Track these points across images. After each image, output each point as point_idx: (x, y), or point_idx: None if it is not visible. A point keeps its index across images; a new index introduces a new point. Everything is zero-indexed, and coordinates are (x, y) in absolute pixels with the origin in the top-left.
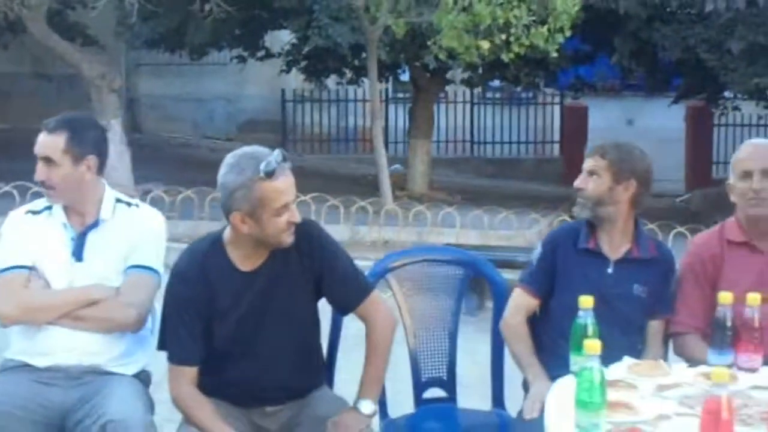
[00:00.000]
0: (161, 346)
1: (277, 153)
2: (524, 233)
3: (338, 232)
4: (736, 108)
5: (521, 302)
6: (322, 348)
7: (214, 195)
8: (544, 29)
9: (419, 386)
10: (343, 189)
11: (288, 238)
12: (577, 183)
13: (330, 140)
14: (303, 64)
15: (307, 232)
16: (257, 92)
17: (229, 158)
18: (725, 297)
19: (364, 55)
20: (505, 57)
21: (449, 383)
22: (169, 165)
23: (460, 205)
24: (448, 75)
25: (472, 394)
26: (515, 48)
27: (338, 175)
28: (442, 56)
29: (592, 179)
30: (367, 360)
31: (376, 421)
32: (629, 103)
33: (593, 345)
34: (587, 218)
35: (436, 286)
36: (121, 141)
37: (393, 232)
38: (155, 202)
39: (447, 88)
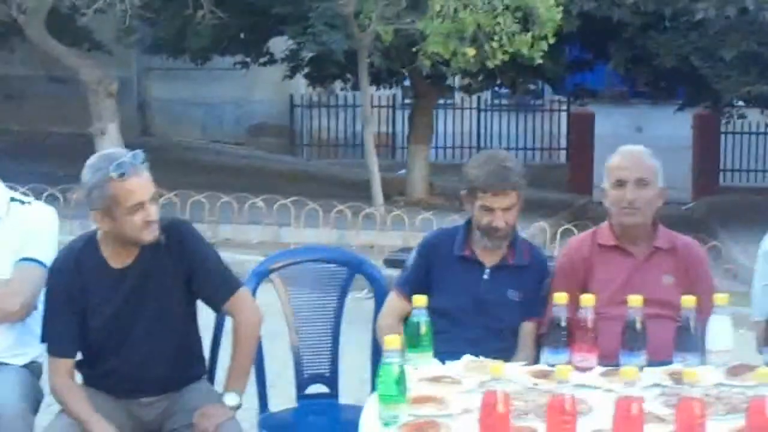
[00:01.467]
0: (43, 338)
1: (132, 154)
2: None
3: (321, 235)
4: (741, 116)
5: (394, 305)
6: (201, 343)
7: (226, 199)
8: (528, 36)
9: (302, 382)
10: (339, 193)
11: (147, 236)
12: (498, 225)
13: (338, 145)
14: (306, 70)
15: (176, 230)
16: (266, 97)
17: (90, 159)
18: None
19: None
20: (490, 63)
21: (331, 379)
22: (178, 168)
23: (457, 210)
24: (448, 81)
25: (359, 390)
26: (499, 55)
27: (339, 179)
28: (428, 62)
29: (507, 214)
30: (233, 355)
31: (254, 415)
32: (637, 110)
33: (391, 340)
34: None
35: (320, 285)
36: (119, 145)
37: (380, 236)
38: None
39: (456, 94)
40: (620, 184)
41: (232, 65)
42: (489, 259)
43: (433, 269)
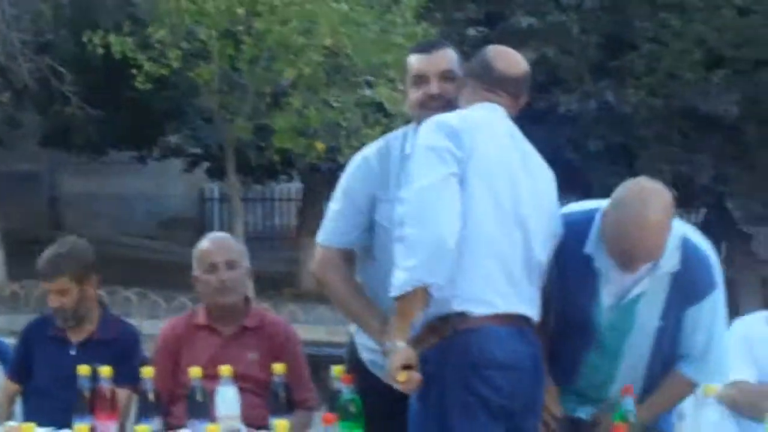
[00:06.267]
0: None
1: None
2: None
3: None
4: None
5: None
6: None
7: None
8: (377, 131)
9: None
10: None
11: None
12: (54, 305)
13: (255, 239)
14: (206, 164)
15: None
16: (177, 190)
17: None
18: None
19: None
20: (341, 158)
21: None
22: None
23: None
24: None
25: None
26: (345, 150)
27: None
28: (277, 157)
29: (62, 297)
30: None
31: None
32: None
33: None
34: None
35: None
36: None
37: None
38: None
39: None
40: (212, 267)
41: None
42: (77, 336)
43: (31, 352)
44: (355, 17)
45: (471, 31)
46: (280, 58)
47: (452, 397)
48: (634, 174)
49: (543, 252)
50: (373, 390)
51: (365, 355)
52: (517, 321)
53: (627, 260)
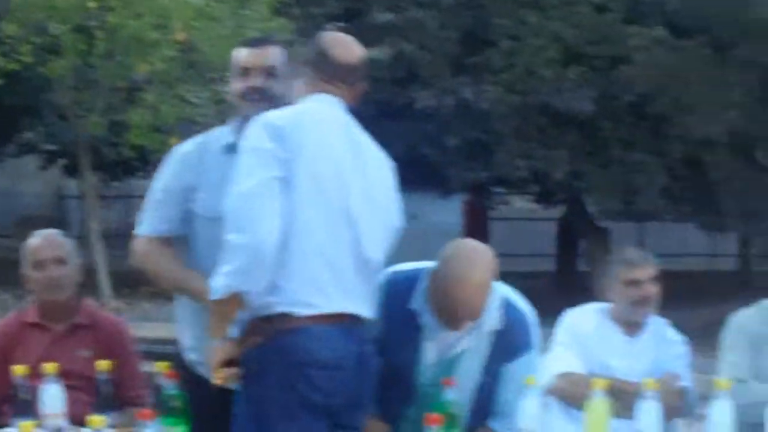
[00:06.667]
0: None
1: None
2: None
3: None
4: (503, 202)
5: None
6: None
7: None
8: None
9: None
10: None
11: None
12: None
13: (117, 236)
14: (62, 162)
15: None
16: (33, 188)
17: None
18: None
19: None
20: None
21: None
22: None
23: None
24: None
25: None
26: None
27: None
28: (132, 153)
29: None
30: None
31: None
32: (409, 198)
33: None
34: None
35: None
36: None
37: None
38: None
39: None
40: (41, 264)
41: None
42: None
43: None
44: (209, 12)
45: (329, 27)
46: (134, 53)
47: (273, 397)
48: (491, 169)
49: (377, 249)
50: (198, 388)
51: (188, 356)
52: (344, 320)
53: (451, 317)
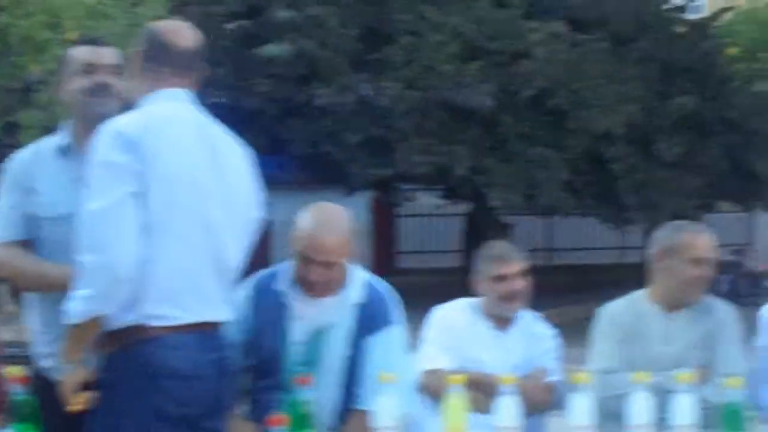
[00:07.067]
0: None
1: None
2: None
3: None
4: (410, 198)
5: None
6: None
7: None
8: None
9: None
10: None
11: None
12: None
13: None
14: None
15: None
16: None
17: None
18: None
19: None
20: None
21: None
22: None
23: None
24: None
25: None
26: None
27: None
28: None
29: None
30: None
31: None
32: (315, 196)
33: None
34: None
35: None
36: None
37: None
38: None
39: None
40: None
41: None
42: None
43: None
44: (102, 10)
45: (230, 26)
46: (26, 53)
47: (127, 408)
48: (394, 166)
49: (236, 253)
50: (50, 394)
51: (41, 362)
52: (202, 328)
53: (312, 256)
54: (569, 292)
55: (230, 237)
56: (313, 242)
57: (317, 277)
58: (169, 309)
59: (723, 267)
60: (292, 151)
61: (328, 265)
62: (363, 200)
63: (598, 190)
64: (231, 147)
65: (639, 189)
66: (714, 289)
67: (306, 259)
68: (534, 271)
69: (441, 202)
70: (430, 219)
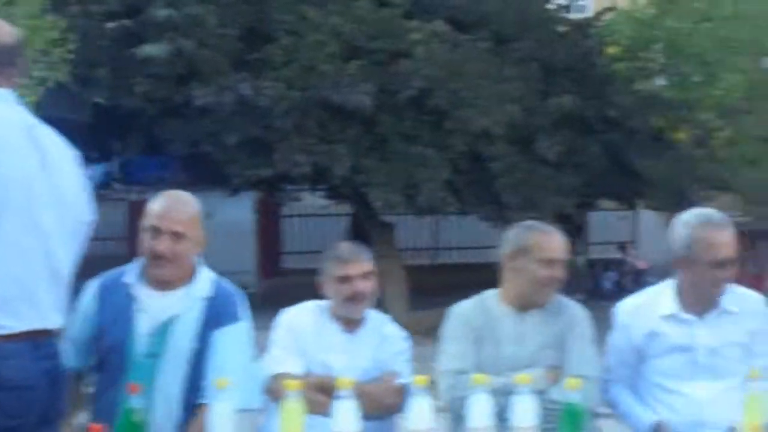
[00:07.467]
0: None
1: None
2: None
3: None
4: (294, 198)
5: None
6: None
7: None
8: None
9: None
10: None
11: None
12: None
13: None
14: None
15: None
16: None
17: None
18: None
19: None
20: None
21: None
22: None
23: None
24: None
25: None
26: None
27: None
28: None
29: None
30: None
31: None
32: (201, 197)
33: None
34: None
35: None
36: None
37: None
38: None
39: None
40: None
41: None
42: None
43: None
44: None
45: (110, 25)
46: None
47: None
48: (274, 166)
49: (68, 258)
50: None
51: None
52: (35, 337)
53: (160, 226)
54: (454, 290)
55: (62, 242)
56: (162, 213)
57: (164, 249)
58: (1, 318)
59: (608, 264)
60: (173, 152)
61: (176, 236)
62: (248, 201)
63: (478, 189)
64: (60, 149)
65: (519, 188)
66: (599, 285)
67: (155, 230)
68: (419, 270)
69: (326, 202)
70: (315, 219)
